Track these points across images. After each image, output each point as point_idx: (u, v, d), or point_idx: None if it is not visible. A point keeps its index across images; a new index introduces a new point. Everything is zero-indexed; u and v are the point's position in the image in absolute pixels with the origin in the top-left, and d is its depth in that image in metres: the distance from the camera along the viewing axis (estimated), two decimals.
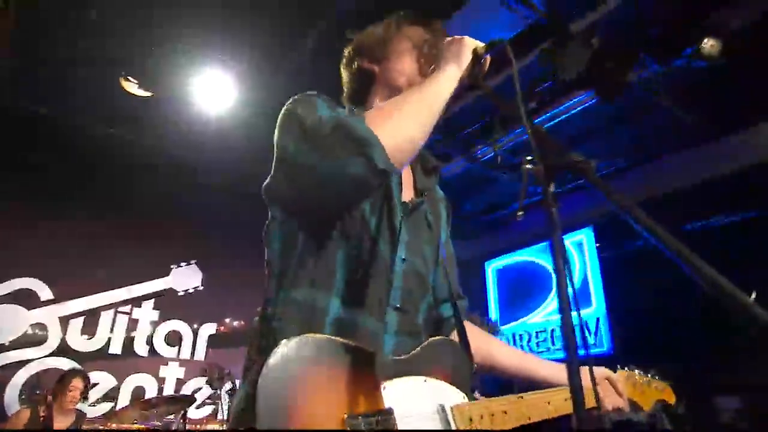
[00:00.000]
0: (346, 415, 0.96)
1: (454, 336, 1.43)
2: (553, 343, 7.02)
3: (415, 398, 1.11)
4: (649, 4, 4.09)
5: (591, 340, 6.37)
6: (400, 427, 1.03)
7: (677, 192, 5.73)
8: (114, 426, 4.31)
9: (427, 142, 1.21)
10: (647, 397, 1.70)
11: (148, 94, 5.15)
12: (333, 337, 1.05)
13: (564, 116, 5.27)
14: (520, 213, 0.89)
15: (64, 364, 5.67)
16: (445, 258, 1.49)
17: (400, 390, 1.09)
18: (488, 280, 8.21)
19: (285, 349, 0.97)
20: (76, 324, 5.96)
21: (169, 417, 4.80)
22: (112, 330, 6.15)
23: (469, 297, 1.58)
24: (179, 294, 6.70)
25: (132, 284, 6.38)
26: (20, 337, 5.59)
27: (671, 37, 4.19)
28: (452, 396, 1.19)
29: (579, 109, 5.16)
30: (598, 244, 6.74)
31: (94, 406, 5.53)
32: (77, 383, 4.73)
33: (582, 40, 4.10)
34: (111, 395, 5.79)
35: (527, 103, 4.88)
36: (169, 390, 6.21)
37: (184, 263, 6.83)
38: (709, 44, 3.95)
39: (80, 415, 4.85)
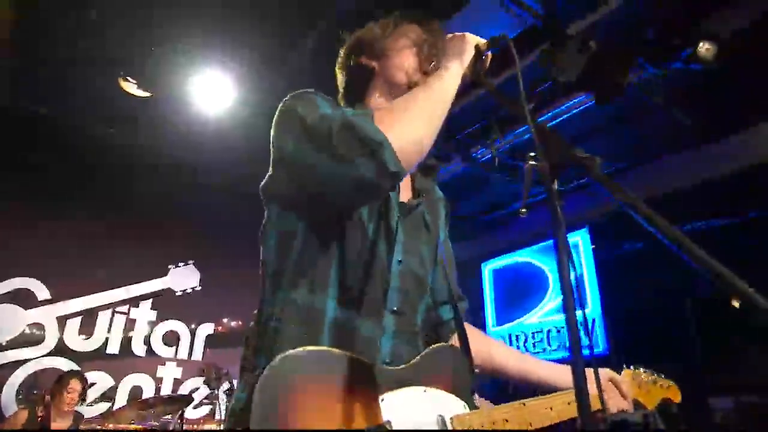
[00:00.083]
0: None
1: (454, 339, 1.41)
2: (549, 344, 7.02)
3: (415, 409, 1.09)
4: (645, 7, 4.12)
5: (585, 341, 6.38)
6: None
7: (677, 192, 5.72)
8: (111, 426, 4.31)
9: None
10: (653, 396, 1.68)
11: (147, 94, 5.15)
12: (330, 349, 1.04)
13: (563, 117, 5.29)
14: (524, 210, 0.90)
15: (62, 364, 5.66)
16: (444, 259, 1.47)
17: (399, 401, 1.07)
18: (484, 280, 8.23)
19: (282, 360, 0.95)
20: (74, 324, 5.94)
21: (166, 417, 4.78)
22: (109, 330, 6.14)
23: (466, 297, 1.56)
24: (177, 294, 6.69)
25: (130, 284, 6.36)
26: (18, 337, 5.57)
27: (667, 40, 4.22)
28: (452, 406, 1.17)
29: (578, 110, 5.17)
30: (593, 246, 6.75)
31: (91, 406, 5.52)
32: (75, 385, 4.72)
33: (579, 42, 4.12)
34: (108, 395, 5.78)
35: (528, 103, 4.88)
36: (166, 390, 6.20)
37: (182, 263, 6.82)
38: (704, 47, 3.97)
39: (78, 416, 4.84)
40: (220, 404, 5.24)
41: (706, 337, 5.37)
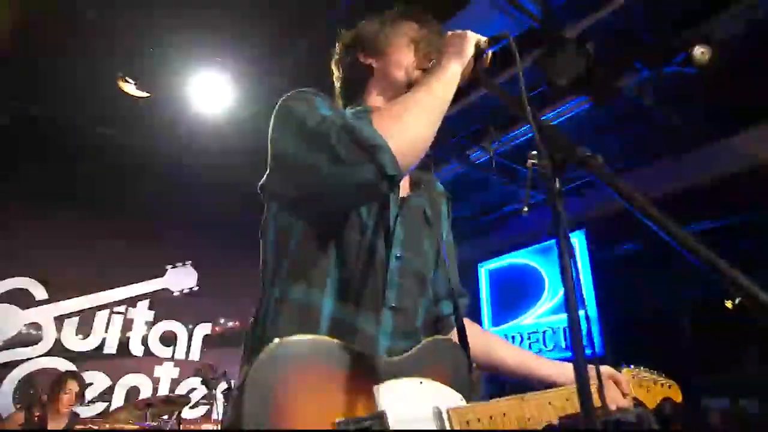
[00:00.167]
0: (336, 419, 0.94)
1: (453, 334, 1.39)
2: (545, 345, 7.06)
3: (410, 401, 1.06)
4: (642, 11, 4.15)
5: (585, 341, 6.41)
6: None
7: (677, 193, 5.74)
8: (108, 426, 4.29)
9: None
10: (653, 395, 1.66)
11: (146, 94, 5.15)
12: (324, 337, 1.03)
13: (559, 120, 5.31)
14: (526, 209, 0.91)
15: (59, 363, 5.65)
16: (446, 254, 1.45)
17: (394, 392, 1.04)
18: (481, 281, 8.26)
19: (273, 348, 0.93)
20: (71, 324, 5.93)
21: (163, 417, 4.78)
22: (106, 330, 6.12)
23: None
24: (174, 294, 6.68)
25: (127, 284, 6.36)
26: (15, 337, 5.55)
27: (663, 44, 4.25)
28: (449, 398, 1.14)
29: (574, 112, 5.19)
30: (589, 247, 6.78)
31: (88, 406, 5.51)
32: (72, 386, 4.69)
33: (576, 45, 4.15)
34: (105, 395, 5.78)
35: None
36: (163, 390, 6.19)
37: (180, 263, 6.82)
38: (699, 51, 4.01)
39: (74, 416, 4.83)
40: (217, 405, 5.23)
41: (700, 338, 5.40)
